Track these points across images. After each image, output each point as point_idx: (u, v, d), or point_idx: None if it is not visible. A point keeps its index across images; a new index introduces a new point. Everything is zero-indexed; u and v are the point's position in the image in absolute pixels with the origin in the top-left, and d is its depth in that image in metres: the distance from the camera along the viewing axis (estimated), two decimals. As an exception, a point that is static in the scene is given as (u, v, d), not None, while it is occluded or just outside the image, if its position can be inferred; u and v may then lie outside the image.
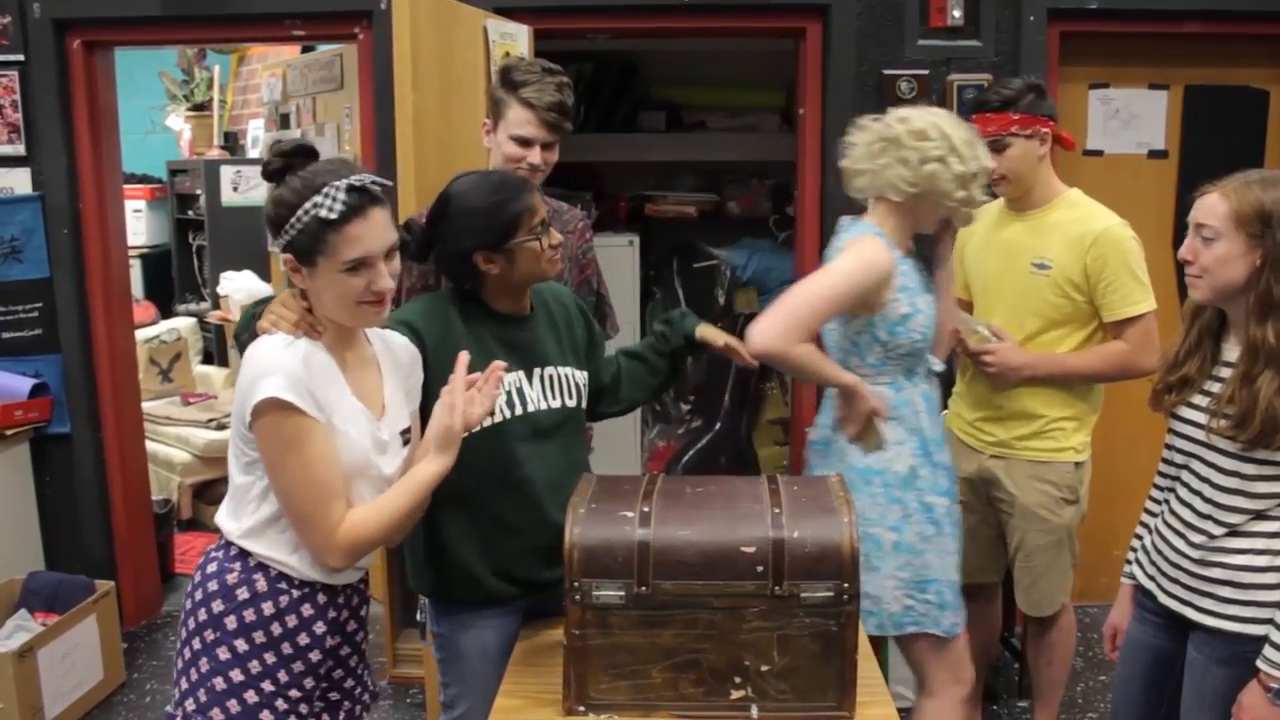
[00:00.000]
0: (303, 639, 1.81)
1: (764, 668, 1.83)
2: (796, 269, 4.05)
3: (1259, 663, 1.91)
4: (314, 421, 1.70)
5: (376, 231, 1.73)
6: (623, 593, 1.82)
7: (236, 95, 6.74)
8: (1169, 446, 2.15)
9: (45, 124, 3.83)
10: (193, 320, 6.05)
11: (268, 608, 1.78)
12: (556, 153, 2.57)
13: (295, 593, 1.80)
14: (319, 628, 1.82)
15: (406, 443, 1.92)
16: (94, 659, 3.52)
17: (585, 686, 1.86)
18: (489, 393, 1.86)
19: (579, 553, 1.82)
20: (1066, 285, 2.69)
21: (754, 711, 1.84)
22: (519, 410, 2.11)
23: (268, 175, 1.77)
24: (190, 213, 6.36)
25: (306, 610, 1.81)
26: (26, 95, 3.81)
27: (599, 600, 1.82)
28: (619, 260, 5.15)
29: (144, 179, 6.55)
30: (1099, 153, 4.06)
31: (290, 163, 1.75)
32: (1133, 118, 4.07)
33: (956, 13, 3.73)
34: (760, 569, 1.80)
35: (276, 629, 1.78)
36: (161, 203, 6.56)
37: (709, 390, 5.39)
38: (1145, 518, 2.24)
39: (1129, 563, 2.26)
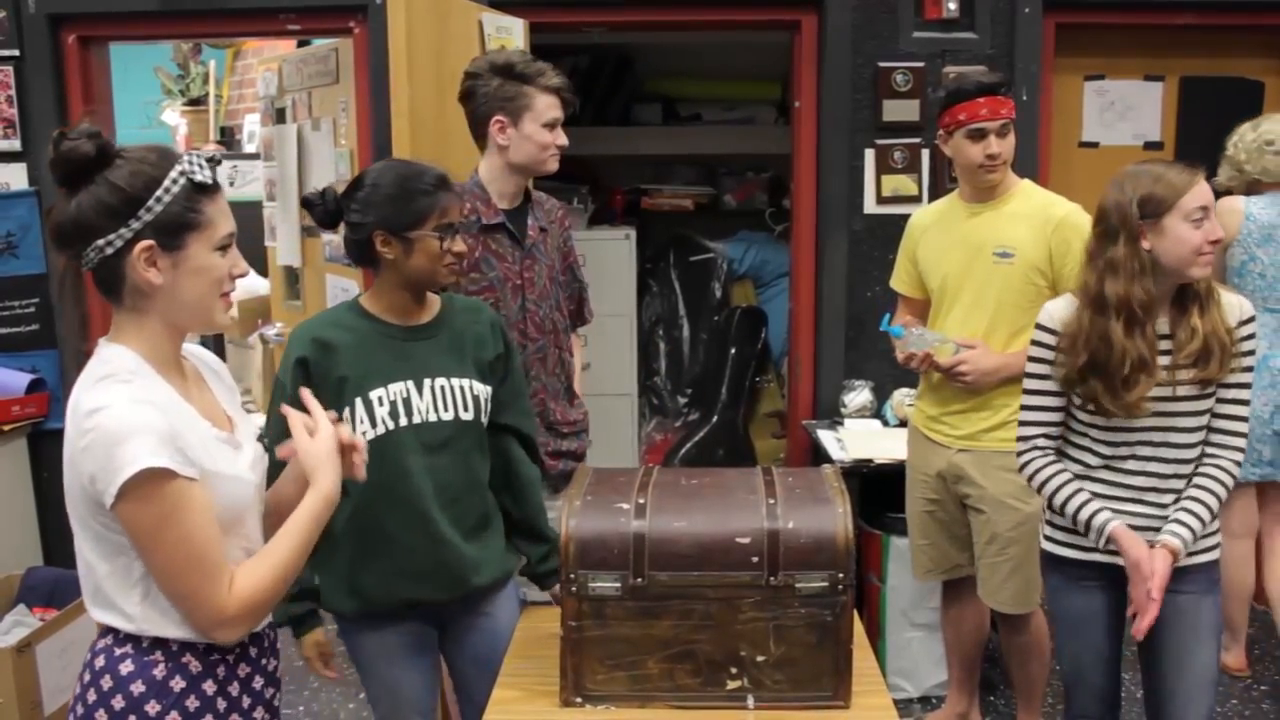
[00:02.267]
0: (245, 701, 1.64)
1: (760, 658, 1.84)
2: (793, 262, 4.06)
3: (1169, 538, 2.12)
4: (189, 483, 1.45)
5: (229, 210, 1.59)
6: (618, 584, 1.83)
7: (232, 90, 6.72)
8: (1055, 426, 2.29)
9: (41, 119, 3.83)
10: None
11: (209, 687, 1.57)
12: None
13: (229, 658, 1.61)
14: (258, 682, 1.67)
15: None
16: (93, 653, 3.52)
17: (582, 678, 1.87)
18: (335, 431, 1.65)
19: (575, 545, 1.83)
20: (1031, 271, 2.71)
21: (750, 701, 1.85)
22: (404, 421, 2.06)
23: (81, 160, 1.47)
24: (186, 208, 6.35)
25: (243, 670, 1.64)
26: (22, 90, 3.81)
27: (595, 592, 1.83)
28: (615, 253, 5.16)
29: (140, 174, 6.55)
30: (1094, 144, 4.07)
31: (106, 144, 1.49)
32: (1128, 109, 4.08)
33: (952, 4, 3.73)
34: (755, 559, 1.81)
35: (222, 704, 1.59)
36: (158, 198, 6.56)
37: (706, 383, 5.40)
38: (1062, 467, 2.28)
39: (1096, 503, 2.22)
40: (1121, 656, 2.38)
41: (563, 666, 1.87)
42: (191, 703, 1.55)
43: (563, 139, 2.57)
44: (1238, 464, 2.21)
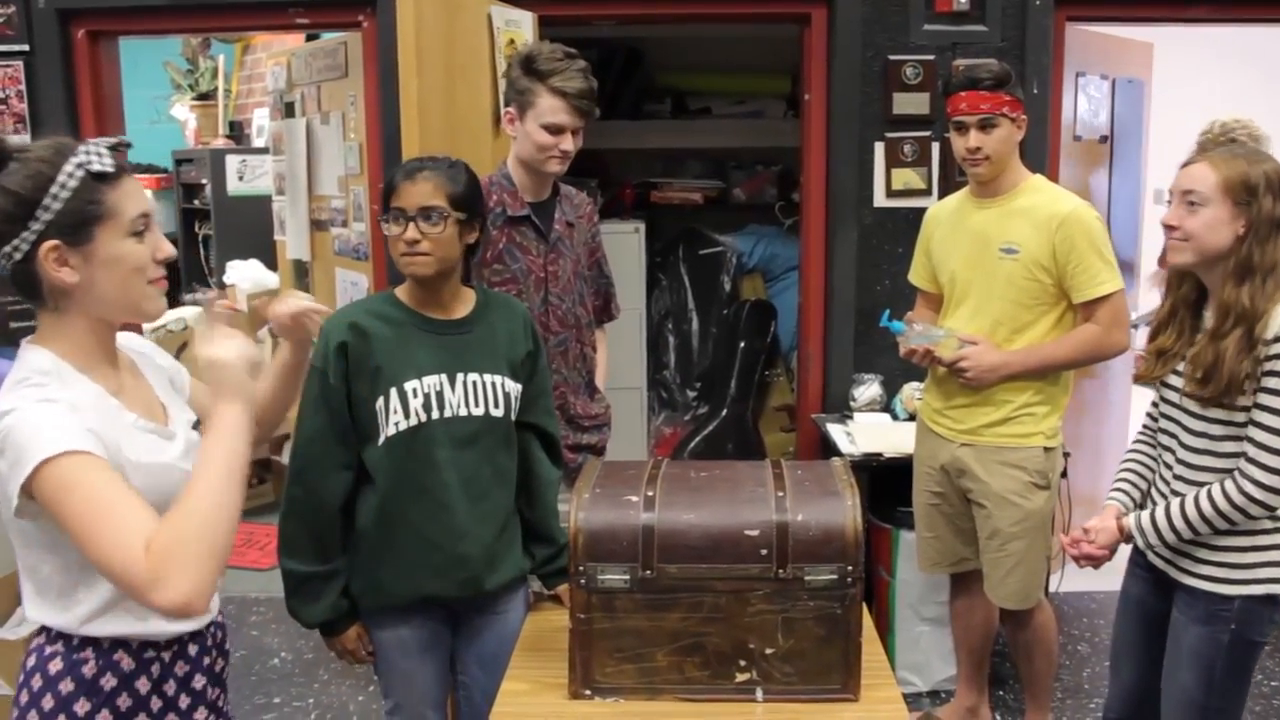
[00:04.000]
0: (184, 700, 1.61)
1: (769, 650, 1.84)
2: (802, 255, 4.05)
3: (1130, 519, 2.16)
4: (88, 455, 1.38)
5: (143, 191, 1.53)
6: (627, 576, 1.83)
7: (241, 84, 6.73)
8: (1155, 406, 2.29)
9: (50, 114, 3.83)
10: (200, 310, 6.05)
11: (142, 685, 1.54)
12: (581, 138, 2.58)
13: (165, 655, 1.58)
14: (198, 681, 1.64)
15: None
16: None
17: (591, 670, 1.87)
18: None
19: (584, 537, 1.83)
20: (1034, 268, 2.69)
21: (759, 694, 1.85)
22: (436, 414, 2.05)
23: None
24: (196, 202, 6.36)
25: (181, 669, 1.61)
26: (31, 85, 3.82)
27: (604, 584, 1.83)
28: (625, 247, 5.15)
29: (150, 169, 6.55)
30: (1079, 139, 4.08)
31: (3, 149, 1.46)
32: (1098, 105, 4.14)
33: (962, -3, 3.72)
34: (764, 552, 1.81)
35: (156, 703, 1.56)
36: (167, 192, 6.57)
37: (715, 377, 5.40)
38: (1134, 459, 2.34)
39: (1120, 490, 2.31)
40: (1156, 664, 2.29)
41: (571, 659, 1.87)
42: (123, 701, 1.52)
43: (567, 144, 2.52)
44: (1247, 495, 2.00)
